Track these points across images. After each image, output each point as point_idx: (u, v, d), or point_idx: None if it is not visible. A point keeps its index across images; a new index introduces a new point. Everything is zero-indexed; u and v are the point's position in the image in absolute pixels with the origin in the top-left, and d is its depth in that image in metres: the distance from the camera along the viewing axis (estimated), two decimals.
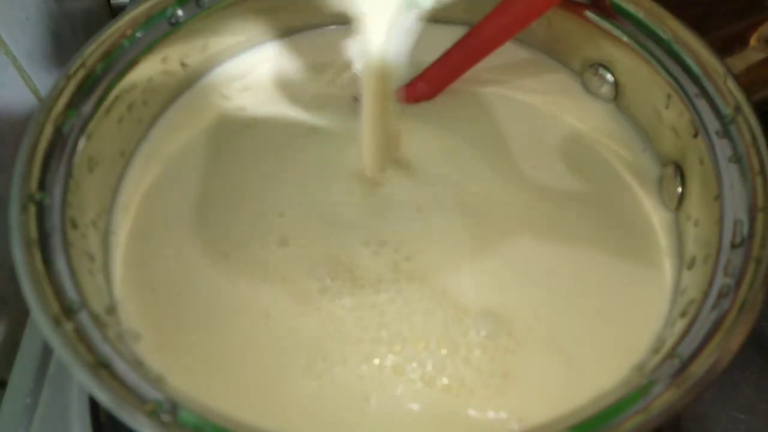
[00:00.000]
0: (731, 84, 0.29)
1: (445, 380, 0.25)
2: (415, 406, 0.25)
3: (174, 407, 0.21)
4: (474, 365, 0.26)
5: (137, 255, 0.30)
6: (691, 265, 0.28)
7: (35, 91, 0.41)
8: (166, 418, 0.21)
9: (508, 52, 0.36)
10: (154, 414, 0.20)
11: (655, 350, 0.25)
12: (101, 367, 0.21)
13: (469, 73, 0.34)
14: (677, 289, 0.27)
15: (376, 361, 0.26)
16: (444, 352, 0.26)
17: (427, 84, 0.34)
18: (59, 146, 0.27)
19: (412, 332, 0.27)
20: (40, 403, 0.35)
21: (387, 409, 0.25)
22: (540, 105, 0.35)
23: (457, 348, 0.26)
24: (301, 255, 0.29)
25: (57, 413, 0.35)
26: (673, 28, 0.31)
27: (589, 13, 0.33)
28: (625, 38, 0.33)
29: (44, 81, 0.41)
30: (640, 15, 0.32)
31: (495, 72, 0.36)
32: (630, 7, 0.32)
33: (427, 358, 0.26)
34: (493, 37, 0.32)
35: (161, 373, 0.25)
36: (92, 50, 0.30)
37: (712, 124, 0.29)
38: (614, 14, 0.33)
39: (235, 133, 0.34)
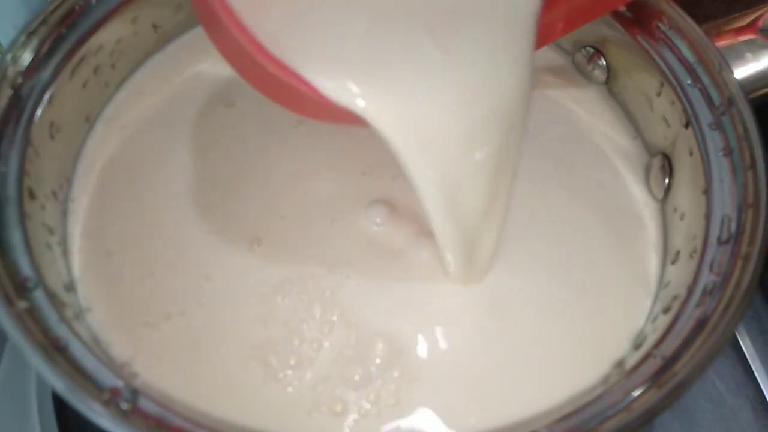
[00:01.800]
0: (726, 75, 0.28)
1: None
2: None
3: (134, 395, 0.20)
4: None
5: (97, 223, 0.28)
6: (675, 259, 0.27)
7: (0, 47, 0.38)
8: (125, 406, 0.20)
9: None
10: (111, 403, 0.19)
11: (636, 346, 0.24)
12: (56, 350, 0.20)
13: None
14: (660, 283, 0.27)
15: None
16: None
17: None
18: (17, 110, 0.26)
19: None
20: None
21: None
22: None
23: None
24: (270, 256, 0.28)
25: (16, 386, 0.34)
26: (668, 14, 0.30)
27: None
28: (618, 22, 0.31)
29: (10, 37, 0.38)
30: None
31: None
32: None
33: None
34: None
35: (125, 358, 0.24)
36: (56, 6, 0.28)
37: (705, 115, 0.28)
38: None
39: (211, 104, 0.32)
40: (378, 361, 0.25)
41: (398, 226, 0.28)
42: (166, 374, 0.24)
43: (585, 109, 0.33)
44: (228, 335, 0.25)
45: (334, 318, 0.26)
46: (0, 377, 0.34)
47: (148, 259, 0.27)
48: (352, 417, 0.24)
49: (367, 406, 0.24)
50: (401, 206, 0.29)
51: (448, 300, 0.27)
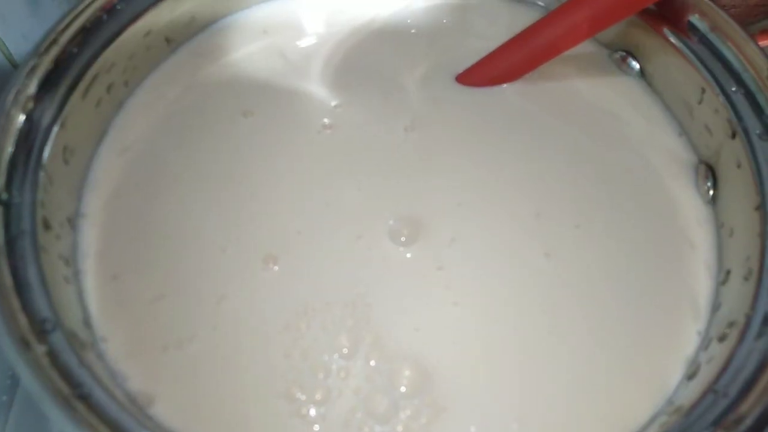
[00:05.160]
0: None
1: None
2: None
3: None
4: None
5: (106, 246, 0.26)
6: (725, 279, 0.25)
7: (9, 57, 0.37)
8: None
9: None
10: None
11: (689, 376, 0.23)
12: (78, 399, 0.19)
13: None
14: (713, 303, 0.25)
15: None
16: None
17: (490, 70, 0.31)
18: (29, 136, 0.24)
19: None
20: (16, 401, 0.33)
21: None
22: (566, 76, 0.32)
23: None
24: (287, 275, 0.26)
25: (34, 412, 0.33)
26: (710, 15, 0.28)
27: None
28: (654, 24, 0.30)
29: (20, 47, 0.37)
30: None
31: None
32: None
33: None
34: (573, 29, 0.28)
35: (140, 390, 0.23)
36: (66, 24, 0.27)
37: (753, 124, 0.26)
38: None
39: (228, 114, 0.30)
40: (403, 389, 0.24)
41: (426, 240, 0.27)
42: (184, 409, 0.23)
43: (626, 107, 0.31)
44: (246, 365, 0.24)
45: (362, 348, 0.24)
46: (18, 401, 0.33)
47: (158, 280, 0.25)
48: None
49: None
50: (428, 219, 0.27)
51: (482, 325, 0.25)
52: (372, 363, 0.24)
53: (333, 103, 0.31)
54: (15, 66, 0.37)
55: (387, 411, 0.23)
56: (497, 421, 0.23)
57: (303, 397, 0.23)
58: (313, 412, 0.23)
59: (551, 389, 0.24)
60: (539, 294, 0.26)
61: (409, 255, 0.27)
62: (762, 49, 0.27)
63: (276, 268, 0.26)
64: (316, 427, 0.23)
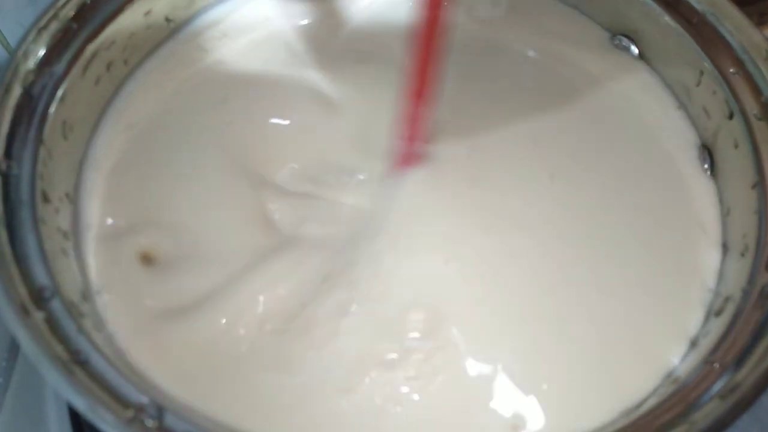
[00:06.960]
0: None
1: None
2: None
3: (160, 411, 0.19)
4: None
5: (109, 222, 0.27)
6: (723, 255, 0.26)
7: (6, 45, 0.37)
8: (150, 423, 0.18)
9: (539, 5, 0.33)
10: (136, 420, 0.18)
11: (688, 350, 0.23)
12: (76, 364, 0.19)
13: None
14: (718, 279, 0.25)
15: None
16: None
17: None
18: (28, 109, 0.24)
19: None
20: (12, 381, 0.33)
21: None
22: (569, 58, 0.32)
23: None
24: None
25: (30, 393, 0.33)
26: None
27: None
28: (653, 5, 0.30)
29: (16, 35, 0.37)
30: None
31: (522, 25, 0.33)
32: None
33: None
34: None
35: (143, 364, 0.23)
36: (66, 0, 0.27)
37: (751, 105, 0.26)
38: None
39: (220, 91, 0.30)
40: (416, 334, 0.24)
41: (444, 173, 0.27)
42: (183, 380, 0.23)
43: (625, 89, 0.31)
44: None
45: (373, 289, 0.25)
46: (14, 382, 0.33)
47: (158, 254, 0.26)
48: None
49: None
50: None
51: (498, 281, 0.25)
52: (383, 307, 0.24)
53: (333, 84, 0.31)
54: (9, 50, 0.37)
55: (399, 354, 0.23)
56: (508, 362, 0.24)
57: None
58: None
59: (561, 351, 0.24)
60: (550, 258, 0.26)
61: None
62: (760, 30, 0.27)
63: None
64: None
